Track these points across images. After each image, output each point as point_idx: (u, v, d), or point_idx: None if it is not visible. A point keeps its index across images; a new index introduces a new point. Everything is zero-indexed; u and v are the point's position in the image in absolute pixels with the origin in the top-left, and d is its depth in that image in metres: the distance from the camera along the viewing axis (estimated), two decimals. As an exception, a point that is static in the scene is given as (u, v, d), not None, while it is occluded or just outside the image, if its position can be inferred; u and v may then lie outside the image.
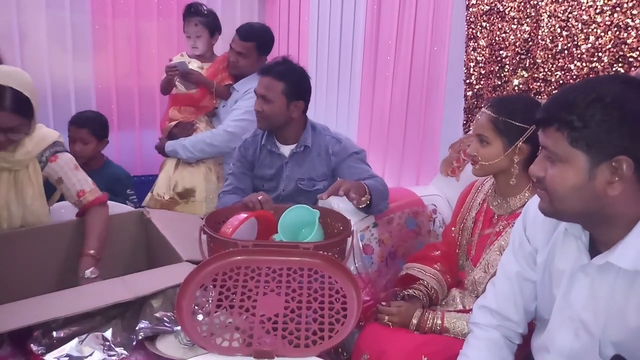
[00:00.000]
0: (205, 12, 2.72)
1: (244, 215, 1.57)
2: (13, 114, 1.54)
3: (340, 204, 1.83)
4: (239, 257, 1.39)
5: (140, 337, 1.29)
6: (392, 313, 1.51)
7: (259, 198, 1.67)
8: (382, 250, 1.85)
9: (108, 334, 1.30)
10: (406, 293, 1.60)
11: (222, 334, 1.22)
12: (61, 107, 3.21)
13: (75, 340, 1.26)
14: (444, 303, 1.60)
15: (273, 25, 3.75)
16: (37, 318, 1.25)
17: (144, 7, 3.40)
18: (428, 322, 1.47)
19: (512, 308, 1.21)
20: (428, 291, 1.59)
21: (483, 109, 1.52)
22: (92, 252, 1.67)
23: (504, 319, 1.23)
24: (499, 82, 2.19)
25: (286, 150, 2.02)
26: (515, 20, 2.11)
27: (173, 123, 2.65)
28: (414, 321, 1.47)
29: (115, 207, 1.96)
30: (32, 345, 1.21)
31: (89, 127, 2.41)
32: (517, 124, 1.45)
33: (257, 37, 2.61)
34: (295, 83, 1.97)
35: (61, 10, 3.18)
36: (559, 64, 1.95)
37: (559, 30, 1.92)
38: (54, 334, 1.27)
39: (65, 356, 1.21)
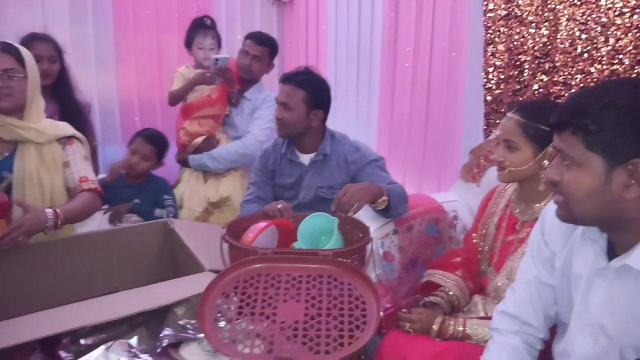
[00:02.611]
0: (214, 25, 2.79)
1: (263, 223, 1.59)
2: (5, 54, 1.69)
3: (359, 211, 1.84)
4: (259, 265, 1.41)
5: (164, 344, 1.32)
6: (413, 320, 1.51)
7: (279, 206, 1.70)
8: (402, 257, 1.85)
9: (134, 341, 1.33)
10: (427, 300, 1.59)
11: (244, 340, 1.24)
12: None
13: (102, 347, 1.29)
14: (466, 310, 1.60)
15: (292, 34, 3.80)
16: (66, 326, 1.28)
17: (164, 21, 3.47)
18: (449, 329, 1.47)
19: (531, 313, 1.21)
20: (449, 298, 1.58)
21: (509, 113, 1.50)
22: (59, 210, 1.66)
23: (523, 324, 1.22)
24: (519, 87, 2.18)
25: (306, 159, 2.04)
26: (534, 24, 2.10)
27: (200, 139, 2.68)
28: (435, 328, 1.47)
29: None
30: (60, 352, 1.24)
31: (156, 146, 2.46)
32: (548, 129, 1.44)
33: (270, 42, 2.72)
34: (315, 92, 2.00)
35: (85, 26, 3.27)
36: (579, 67, 1.93)
37: (578, 33, 1.91)
38: (82, 341, 1.30)
39: (92, 363, 1.24)
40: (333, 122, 3.34)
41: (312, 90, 1.99)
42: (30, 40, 2.32)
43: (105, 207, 2.37)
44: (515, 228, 1.55)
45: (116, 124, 3.44)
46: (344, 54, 3.29)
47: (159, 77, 3.52)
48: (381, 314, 1.69)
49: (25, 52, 1.77)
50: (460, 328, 1.46)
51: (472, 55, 2.40)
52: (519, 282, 1.24)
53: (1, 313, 1.41)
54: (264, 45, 2.66)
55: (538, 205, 1.50)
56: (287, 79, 2.01)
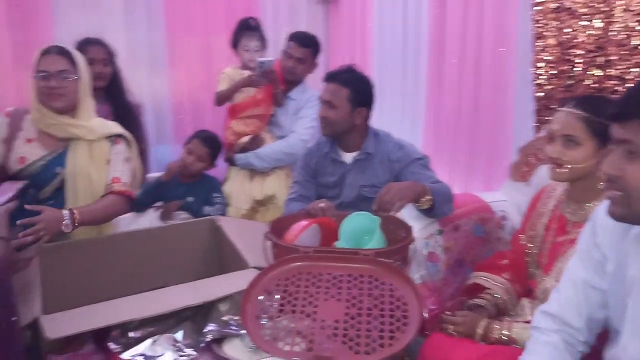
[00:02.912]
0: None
1: (305, 222, 1.60)
2: (59, 57, 1.79)
3: (402, 210, 1.82)
4: (300, 263, 1.42)
5: (207, 340, 1.35)
6: (457, 323, 1.48)
7: (321, 205, 1.70)
8: (448, 258, 1.82)
9: (179, 335, 1.37)
10: (472, 302, 1.56)
11: (284, 338, 1.26)
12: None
13: (149, 340, 1.34)
14: (513, 313, 1.55)
15: (337, 33, 3.80)
16: (115, 319, 1.34)
17: (213, 22, 3.54)
18: (494, 333, 1.43)
19: (574, 314, 1.17)
20: (495, 301, 1.54)
21: (566, 108, 1.44)
22: (75, 211, 1.72)
23: (564, 324, 1.18)
24: (571, 82, 2.11)
25: (348, 157, 2.04)
26: (586, 16, 2.02)
27: (246, 138, 2.74)
28: (479, 331, 1.44)
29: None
30: (110, 343, 1.30)
31: (211, 148, 2.51)
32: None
33: (313, 43, 2.72)
34: (359, 90, 2.00)
35: (138, 30, 3.39)
36: (636, 61, 1.84)
37: (633, 24, 1.82)
38: (131, 334, 1.36)
39: (139, 355, 1.29)
40: (379, 120, 3.32)
41: (356, 88, 1.99)
42: (85, 44, 2.44)
43: (159, 204, 2.46)
44: (566, 229, 1.49)
45: (168, 124, 3.55)
46: (389, 51, 3.26)
47: (209, 78, 3.59)
48: (425, 315, 1.69)
49: (77, 54, 1.86)
50: (506, 332, 1.42)
51: (521, 50, 2.33)
52: (564, 282, 1.20)
53: (57, 305, 1.49)
54: (307, 47, 2.68)
55: (589, 205, 1.44)
56: (331, 77, 2.02)
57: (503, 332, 1.42)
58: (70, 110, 1.84)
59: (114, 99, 2.51)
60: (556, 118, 1.47)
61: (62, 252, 1.72)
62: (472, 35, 2.62)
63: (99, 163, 1.86)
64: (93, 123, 1.89)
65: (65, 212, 1.69)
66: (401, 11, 3.13)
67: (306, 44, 2.69)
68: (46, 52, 1.81)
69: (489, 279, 1.59)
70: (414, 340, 1.66)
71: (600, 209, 1.13)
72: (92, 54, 2.43)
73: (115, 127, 1.95)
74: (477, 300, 1.55)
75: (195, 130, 3.55)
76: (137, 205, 2.35)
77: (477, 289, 1.60)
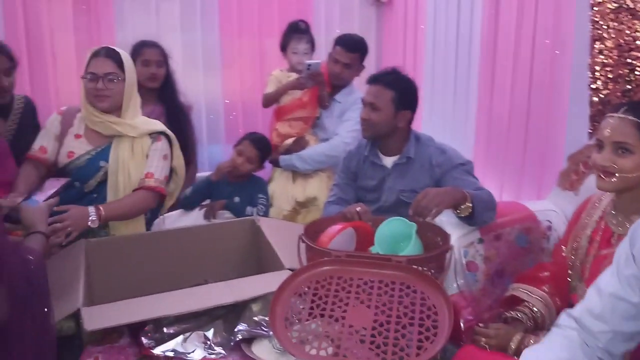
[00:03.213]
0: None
1: (339, 226, 1.59)
2: (107, 59, 1.87)
3: (442, 217, 1.78)
4: (331, 267, 1.42)
5: (237, 339, 1.37)
6: (490, 336, 1.42)
7: (357, 209, 1.69)
8: (487, 268, 1.76)
9: (210, 333, 1.40)
10: (509, 315, 1.51)
11: (312, 342, 1.26)
12: (194, 120, 3.51)
13: (181, 337, 1.37)
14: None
15: (390, 34, 3.77)
16: (151, 314, 1.39)
17: (266, 25, 3.59)
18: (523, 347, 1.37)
19: (594, 321, 1.11)
20: (533, 314, 1.48)
21: (619, 114, 1.37)
22: (101, 207, 1.80)
23: (583, 327, 1.13)
24: (629, 87, 1.99)
25: (389, 161, 2.01)
26: (649, 17, 1.90)
27: (290, 140, 2.76)
28: (512, 346, 1.38)
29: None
30: (142, 338, 1.34)
31: (261, 151, 2.53)
32: None
33: (361, 47, 2.71)
34: (403, 92, 1.97)
35: (193, 32, 3.48)
36: (702, 64, 1.72)
37: (699, 26, 1.70)
38: (165, 329, 1.40)
39: (170, 351, 1.33)
40: (429, 123, 3.29)
41: (401, 91, 1.96)
42: (141, 46, 2.54)
43: (207, 202, 2.52)
44: (611, 242, 1.41)
45: (220, 125, 3.63)
46: (442, 53, 3.20)
47: (261, 80, 3.64)
48: (461, 325, 1.65)
49: (124, 56, 1.94)
50: None
51: (578, 53, 2.22)
52: (590, 289, 1.16)
53: (102, 298, 1.56)
54: (355, 52, 2.67)
55: (637, 216, 1.36)
56: (375, 79, 2.00)
57: None
58: (116, 109, 1.92)
59: (167, 100, 2.60)
60: (606, 124, 1.39)
61: (108, 247, 1.80)
62: (526, 37, 2.52)
63: (138, 159, 1.93)
64: (137, 121, 1.97)
65: (91, 208, 1.78)
66: (455, 12, 3.06)
67: (353, 49, 2.68)
68: (96, 55, 1.91)
69: (527, 292, 1.53)
70: (449, 350, 1.64)
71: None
72: (148, 56, 2.53)
73: (158, 125, 2.02)
74: (513, 313, 1.49)
75: (246, 131, 3.64)
76: (186, 203, 2.43)
77: (516, 301, 1.54)
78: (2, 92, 2.00)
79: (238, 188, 2.53)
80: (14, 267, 0.94)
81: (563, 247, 1.57)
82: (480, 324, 1.48)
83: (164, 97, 2.60)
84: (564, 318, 1.19)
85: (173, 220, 2.26)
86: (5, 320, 0.92)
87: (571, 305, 1.50)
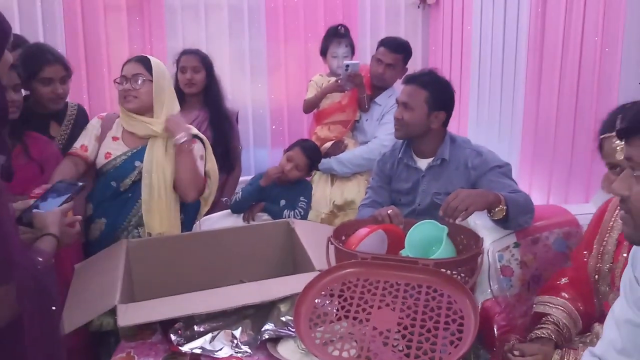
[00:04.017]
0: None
1: (367, 229, 1.59)
2: (136, 63, 1.97)
3: (477, 220, 1.75)
4: (357, 269, 1.42)
5: (264, 338, 1.40)
6: None
7: (388, 212, 1.68)
8: (523, 273, 1.71)
9: (237, 332, 1.43)
10: (535, 336, 1.45)
11: (335, 343, 1.26)
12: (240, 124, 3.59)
13: (209, 335, 1.41)
14: (588, 340, 1.42)
15: (437, 37, 3.72)
16: (181, 312, 1.43)
17: (311, 30, 3.63)
18: None
19: (616, 356, 1.05)
20: (559, 329, 1.43)
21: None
22: None
23: None
24: (683, 85, 1.88)
25: (423, 164, 1.99)
26: None
27: (329, 143, 2.78)
28: None
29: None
30: (171, 335, 1.39)
31: (310, 159, 2.58)
32: None
33: (405, 48, 2.70)
34: (438, 93, 1.96)
35: (241, 39, 3.58)
36: None
37: None
38: (195, 327, 1.44)
39: (199, 348, 1.36)
40: (476, 124, 3.22)
41: (435, 91, 1.94)
42: (181, 55, 2.68)
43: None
44: None
45: (266, 130, 3.70)
46: (488, 53, 3.13)
47: (306, 85, 3.68)
48: (495, 331, 1.61)
49: (154, 60, 2.02)
50: None
51: (628, 51, 2.12)
52: (608, 322, 1.09)
53: (142, 296, 1.63)
54: (398, 53, 2.66)
55: None
56: (410, 79, 1.99)
57: None
58: (146, 110, 2.00)
59: (211, 105, 2.68)
60: (614, 146, 1.34)
61: (148, 248, 1.87)
62: (574, 35, 2.43)
63: (172, 158, 2.00)
64: (158, 119, 2.02)
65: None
66: (501, 12, 2.99)
67: (397, 50, 2.67)
68: (128, 61, 2.00)
69: (548, 304, 1.48)
70: (482, 356, 1.60)
71: None
72: (184, 62, 2.64)
73: (191, 129, 2.07)
74: (538, 332, 1.44)
75: (291, 135, 3.69)
76: (237, 207, 2.50)
77: (541, 314, 1.49)
78: (57, 99, 2.11)
79: (285, 190, 2.57)
80: (25, 267, 1.00)
81: (585, 252, 1.50)
82: (514, 339, 1.42)
83: (207, 102, 2.68)
84: (587, 357, 1.14)
85: (212, 222, 2.33)
86: (16, 319, 0.98)
87: (601, 316, 1.44)
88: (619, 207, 1.42)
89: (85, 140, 2.03)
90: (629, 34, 2.11)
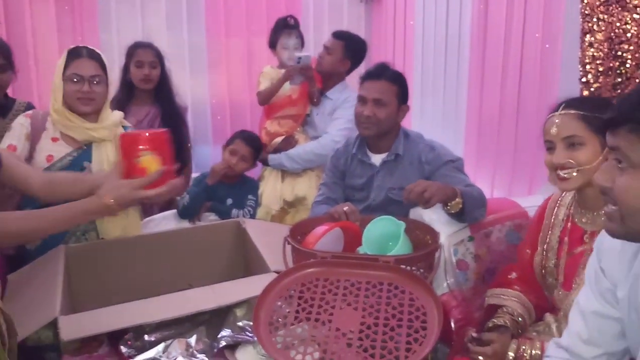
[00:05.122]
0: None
1: (325, 226, 1.55)
2: (92, 61, 1.83)
3: (432, 215, 1.75)
4: (317, 269, 1.38)
5: (221, 346, 1.33)
6: (487, 354, 1.37)
7: (345, 209, 1.65)
8: (478, 267, 1.73)
9: (192, 340, 1.35)
10: (493, 324, 1.46)
11: (297, 347, 1.22)
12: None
13: (162, 345, 1.32)
14: (540, 330, 1.44)
15: (379, 31, 3.74)
16: (131, 322, 1.33)
17: (254, 24, 3.55)
18: (525, 355, 1.33)
19: (584, 347, 1.06)
20: (514, 319, 1.45)
21: (560, 111, 1.37)
22: None
23: (573, 355, 1.08)
24: (619, 80, 1.96)
25: (377, 159, 1.98)
26: (639, 8, 1.87)
27: (279, 139, 2.72)
28: (512, 354, 1.33)
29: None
30: (122, 347, 1.29)
31: (254, 148, 2.52)
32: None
33: (347, 38, 2.68)
34: (404, 87, 1.98)
35: (180, 33, 3.45)
36: (692, 55, 1.69)
37: (689, 16, 1.67)
38: (146, 337, 1.34)
39: (151, 359, 1.28)
40: (420, 120, 3.25)
41: (402, 85, 1.96)
42: (134, 47, 2.53)
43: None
44: (584, 239, 1.38)
45: (208, 126, 3.59)
46: (431, 48, 3.18)
47: (249, 79, 3.61)
48: (452, 325, 1.61)
49: (103, 57, 1.88)
50: (538, 352, 1.31)
51: (568, 47, 2.19)
52: (573, 314, 1.11)
53: (83, 306, 1.51)
54: (337, 39, 2.66)
55: None
56: (376, 74, 1.96)
57: (536, 352, 1.32)
58: (96, 112, 1.87)
59: (163, 101, 2.56)
60: (550, 124, 1.38)
61: (88, 253, 1.75)
62: (516, 31, 2.50)
63: None
64: (110, 121, 1.92)
65: None
66: (444, 8, 3.04)
67: (337, 36, 2.68)
68: (77, 55, 1.83)
69: (501, 295, 1.51)
70: (441, 350, 1.60)
71: (604, 232, 1.03)
72: (141, 57, 2.50)
73: (119, 115, 1.97)
74: (496, 320, 1.45)
75: (233, 132, 3.59)
76: (186, 213, 2.37)
77: (496, 307, 1.51)
78: None
79: (230, 189, 2.49)
80: None
81: (527, 250, 1.53)
82: (474, 334, 1.42)
83: (159, 98, 2.56)
84: (553, 349, 1.15)
85: (155, 224, 2.21)
86: None
87: (552, 307, 1.47)
88: (558, 205, 1.47)
89: (14, 140, 1.84)
90: (569, 30, 2.18)
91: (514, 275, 1.56)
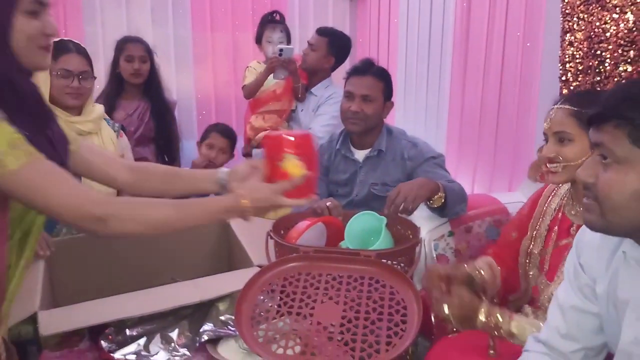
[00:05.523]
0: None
1: (308, 221, 1.56)
2: (79, 56, 1.82)
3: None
4: (299, 263, 1.39)
5: (203, 340, 1.33)
6: (453, 303, 1.30)
7: (327, 204, 1.67)
8: (458, 261, 1.75)
9: (174, 334, 1.35)
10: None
11: (279, 340, 1.22)
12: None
13: (144, 339, 1.32)
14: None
15: (364, 29, 3.75)
16: (112, 316, 1.33)
17: (239, 19, 3.55)
18: (492, 319, 1.27)
19: (562, 342, 1.08)
20: (477, 271, 1.44)
21: (558, 105, 1.37)
22: None
23: (552, 349, 1.10)
24: (599, 78, 1.99)
25: (360, 155, 2.00)
26: (618, 8, 1.90)
27: (263, 134, 2.72)
28: (482, 319, 1.27)
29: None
30: (102, 341, 1.29)
31: (230, 139, 2.54)
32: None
33: (332, 34, 2.70)
34: (389, 83, 2.00)
35: (165, 27, 3.43)
36: (669, 55, 1.72)
37: (666, 17, 1.70)
38: (127, 331, 1.34)
39: (132, 354, 1.28)
40: (403, 116, 3.28)
41: (388, 81, 1.99)
42: (124, 42, 2.51)
43: None
44: (570, 232, 1.40)
45: (193, 120, 3.58)
46: (414, 46, 3.20)
47: (235, 75, 3.60)
48: (432, 319, 1.63)
49: (88, 52, 1.88)
50: (506, 326, 1.25)
51: (548, 46, 2.22)
52: (552, 308, 1.12)
53: (65, 300, 1.50)
54: (323, 36, 2.67)
55: None
56: (362, 70, 1.98)
57: (504, 319, 1.26)
58: (80, 107, 1.86)
59: (152, 96, 2.56)
60: (547, 116, 1.40)
61: (70, 247, 1.74)
62: (498, 30, 2.53)
63: (110, 146, 1.91)
64: (95, 114, 1.92)
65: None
66: (427, 6, 3.06)
67: (322, 33, 2.69)
68: (66, 50, 1.82)
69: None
70: (421, 344, 1.62)
71: (584, 228, 1.04)
72: (131, 51, 2.48)
73: (101, 109, 1.97)
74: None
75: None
76: None
77: None
78: None
79: None
80: None
81: (514, 233, 1.54)
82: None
83: (149, 92, 2.55)
84: (531, 343, 1.15)
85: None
86: None
87: (533, 298, 1.49)
88: (553, 194, 1.49)
89: None
90: (549, 29, 2.21)
91: (490, 251, 1.57)
